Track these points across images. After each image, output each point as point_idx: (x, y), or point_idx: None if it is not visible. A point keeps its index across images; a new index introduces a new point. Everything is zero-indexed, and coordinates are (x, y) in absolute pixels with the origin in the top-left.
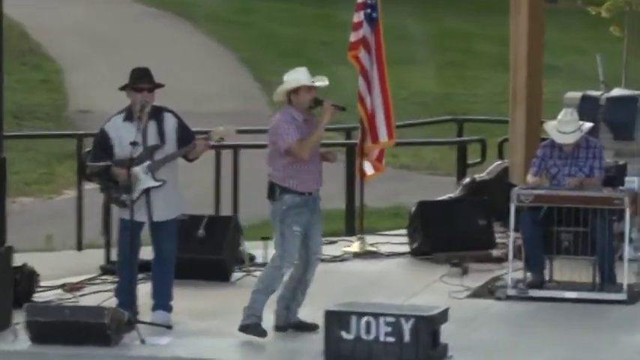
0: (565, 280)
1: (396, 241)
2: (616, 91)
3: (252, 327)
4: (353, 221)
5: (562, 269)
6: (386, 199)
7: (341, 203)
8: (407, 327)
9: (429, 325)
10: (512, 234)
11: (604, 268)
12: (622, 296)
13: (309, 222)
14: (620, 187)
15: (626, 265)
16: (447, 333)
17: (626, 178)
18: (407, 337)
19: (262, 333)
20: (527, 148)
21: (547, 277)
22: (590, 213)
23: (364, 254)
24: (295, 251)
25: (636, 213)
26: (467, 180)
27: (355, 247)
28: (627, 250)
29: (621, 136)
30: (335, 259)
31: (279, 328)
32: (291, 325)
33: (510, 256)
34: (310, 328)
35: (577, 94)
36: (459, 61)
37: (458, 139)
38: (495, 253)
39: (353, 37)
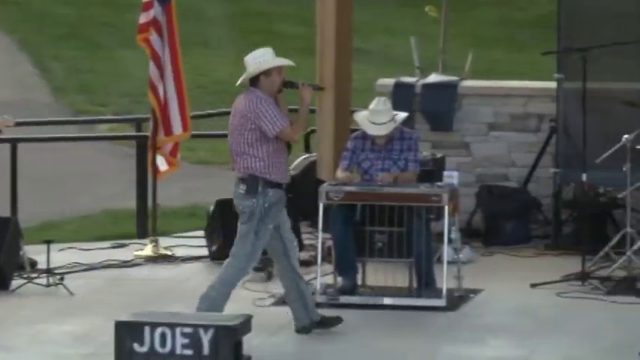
0: (379, 285)
1: (193, 243)
2: (432, 78)
3: None
4: (145, 222)
5: (376, 273)
6: (181, 197)
7: (131, 203)
8: (206, 338)
9: (230, 336)
10: (320, 235)
11: (421, 271)
12: (441, 302)
13: (282, 213)
14: (438, 183)
15: (445, 268)
16: (251, 344)
17: (445, 173)
18: (206, 350)
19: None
20: (337, 141)
21: (360, 282)
22: (405, 211)
23: (158, 258)
24: (260, 252)
25: (456, 211)
26: None
27: (148, 250)
28: (446, 252)
29: (439, 126)
30: (125, 264)
31: (304, 329)
32: (317, 323)
33: (319, 259)
34: (334, 321)
35: (390, 81)
36: (261, 44)
37: None
38: (303, 255)
39: (143, 19)
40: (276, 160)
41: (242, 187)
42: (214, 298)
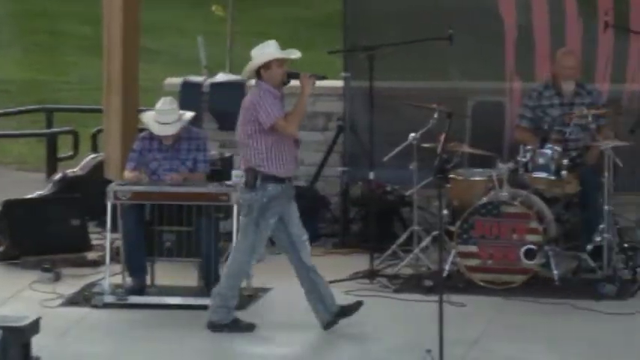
0: (168, 285)
1: None
2: (220, 77)
3: (230, 325)
4: None
5: (165, 273)
6: None
7: None
8: None
9: (17, 338)
10: (109, 235)
11: (210, 270)
12: None
13: (285, 208)
14: (227, 182)
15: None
16: (39, 346)
17: (233, 172)
18: None
19: (250, 326)
20: (124, 141)
21: (149, 282)
22: (194, 211)
23: None
24: (264, 244)
25: None
26: (58, 176)
27: None
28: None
29: (227, 125)
30: None
31: (329, 324)
32: (337, 315)
33: (107, 259)
34: (353, 307)
35: (178, 81)
36: (46, 43)
37: (47, 130)
38: (91, 256)
39: None
40: (277, 153)
41: (242, 180)
42: (224, 295)
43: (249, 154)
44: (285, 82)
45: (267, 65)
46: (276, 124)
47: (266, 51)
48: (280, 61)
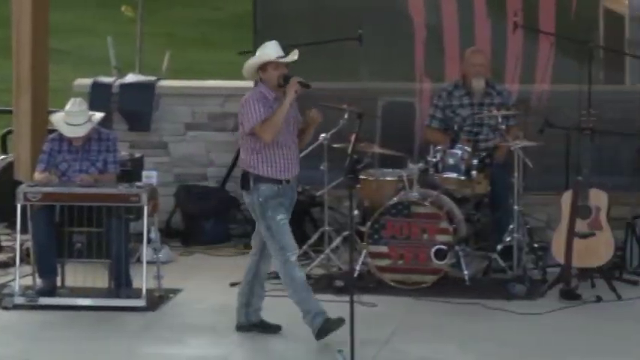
0: (79, 286)
1: None
2: (130, 78)
3: (326, 325)
4: None
5: (76, 274)
6: None
7: None
8: None
9: None
10: (19, 236)
11: (120, 272)
12: (141, 302)
13: (288, 205)
14: (138, 183)
15: (145, 268)
16: None
17: (144, 173)
18: None
19: (339, 321)
20: (34, 142)
21: (59, 283)
22: (104, 212)
23: None
24: (290, 237)
25: (155, 210)
26: None
27: None
28: (146, 252)
29: (137, 126)
30: None
31: (241, 327)
32: (254, 325)
33: (17, 260)
34: (273, 329)
35: (88, 81)
36: None
37: None
38: (1, 257)
39: None
40: (267, 155)
41: (241, 184)
42: (301, 298)
43: (243, 155)
44: (282, 85)
45: (263, 67)
46: (254, 128)
47: (264, 52)
48: (275, 64)
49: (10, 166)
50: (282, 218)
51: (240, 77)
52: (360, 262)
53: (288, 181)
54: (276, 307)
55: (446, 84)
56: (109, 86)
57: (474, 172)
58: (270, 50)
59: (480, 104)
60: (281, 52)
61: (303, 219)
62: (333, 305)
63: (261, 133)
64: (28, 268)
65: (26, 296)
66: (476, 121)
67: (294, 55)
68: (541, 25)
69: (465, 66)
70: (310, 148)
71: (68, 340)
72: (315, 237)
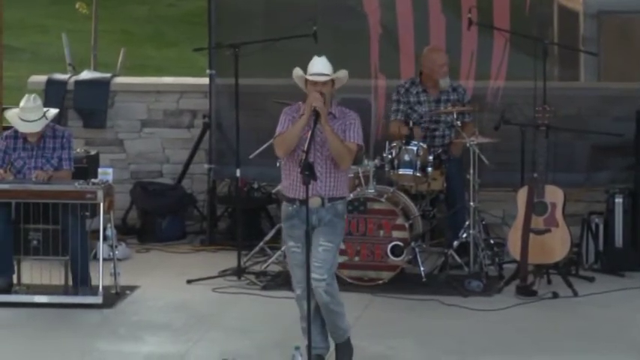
0: (35, 284)
1: None
2: (85, 75)
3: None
4: None
5: (32, 271)
6: None
7: None
8: None
9: None
10: None
11: (77, 269)
12: (97, 299)
13: (300, 233)
14: (93, 180)
15: (101, 265)
16: None
17: (99, 170)
18: None
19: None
20: None
21: (15, 281)
22: (60, 209)
23: None
24: (297, 269)
25: (111, 207)
26: None
27: None
28: (102, 249)
29: (92, 123)
30: None
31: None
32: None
33: None
34: None
35: (43, 78)
36: None
37: None
38: None
39: None
40: (286, 171)
41: None
42: (302, 328)
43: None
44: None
45: (307, 84)
46: (274, 139)
47: (309, 68)
48: (315, 83)
49: None
50: (292, 245)
51: (196, 74)
52: None
53: (301, 202)
54: (239, 304)
55: (402, 81)
56: (64, 83)
57: (429, 169)
58: (310, 66)
59: (437, 101)
60: (324, 70)
61: (260, 216)
62: (290, 302)
63: (275, 145)
64: None
65: None
66: (433, 117)
67: (341, 74)
68: (496, 22)
69: (428, 65)
70: (266, 145)
71: (24, 337)
72: (271, 234)
